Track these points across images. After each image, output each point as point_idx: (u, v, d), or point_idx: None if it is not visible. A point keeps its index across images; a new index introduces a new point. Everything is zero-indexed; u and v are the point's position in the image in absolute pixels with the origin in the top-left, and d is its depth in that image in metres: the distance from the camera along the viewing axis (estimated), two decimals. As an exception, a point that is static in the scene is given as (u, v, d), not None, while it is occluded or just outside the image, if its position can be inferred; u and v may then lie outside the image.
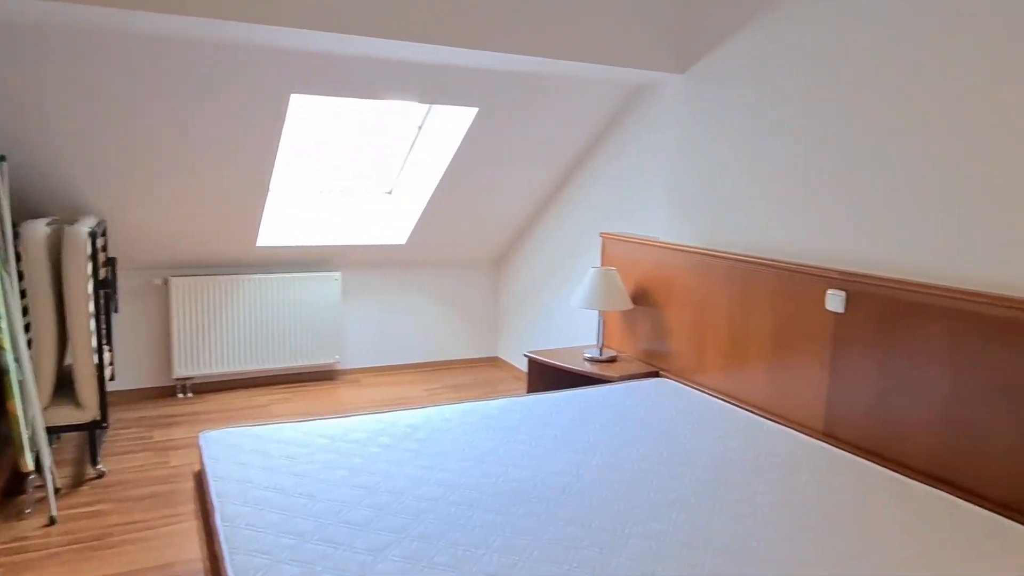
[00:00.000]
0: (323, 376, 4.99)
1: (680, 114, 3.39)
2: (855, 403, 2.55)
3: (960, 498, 2.16)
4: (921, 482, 2.28)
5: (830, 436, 2.64)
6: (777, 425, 2.77)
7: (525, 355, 3.81)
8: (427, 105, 4.14)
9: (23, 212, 3.66)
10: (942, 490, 2.22)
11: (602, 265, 3.99)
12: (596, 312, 4.04)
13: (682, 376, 3.39)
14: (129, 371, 4.42)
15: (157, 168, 3.58)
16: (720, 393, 3.16)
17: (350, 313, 5.04)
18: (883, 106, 2.46)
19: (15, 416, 2.75)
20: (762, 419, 2.84)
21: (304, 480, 2.16)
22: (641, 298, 3.65)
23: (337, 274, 4.81)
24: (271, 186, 4.18)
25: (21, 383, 2.85)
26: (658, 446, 2.54)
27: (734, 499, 2.14)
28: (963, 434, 2.21)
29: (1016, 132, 2.07)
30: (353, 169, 4.55)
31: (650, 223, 3.83)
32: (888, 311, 2.42)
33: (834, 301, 2.59)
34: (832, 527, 1.97)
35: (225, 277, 4.50)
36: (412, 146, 4.45)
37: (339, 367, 5.05)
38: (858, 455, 2.49)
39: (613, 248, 3.88)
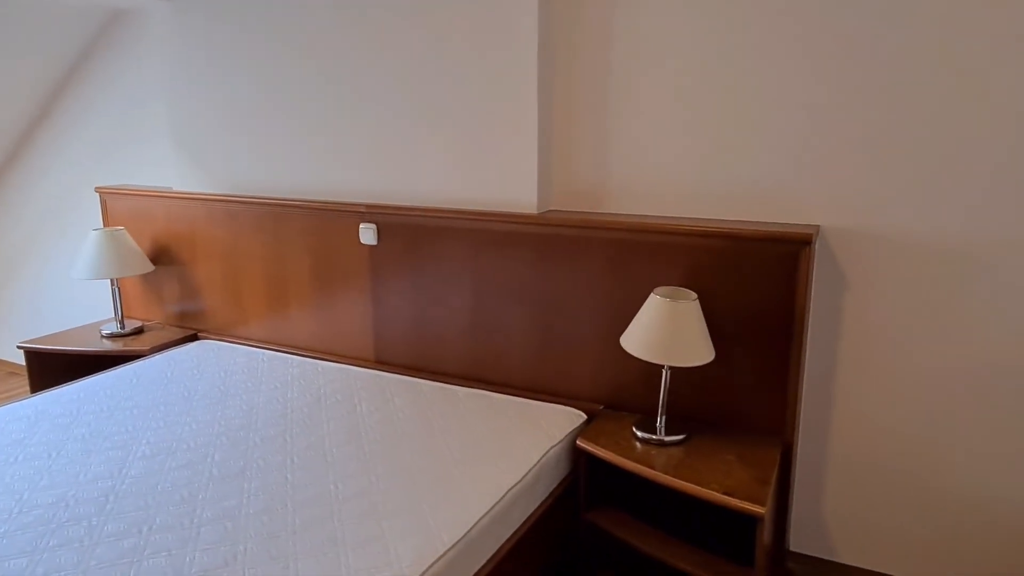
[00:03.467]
0: None
1: (174, 47, 2.99)
2: (398, 328, 2.71)
3: (494, 391, 2.50)
4: (463, 385, 2.55)
5: (382, 363, 2.77)
6: (332, 363, 2.79)
7: (20, 347, 3.08)
8: None
9: None
10: (480, 388, 2.53)
11: (106, 225, 3.40)
12: (108, 281, 3.46)
13: (224, 333, 3.15)
14: None
15: None
16: (270, 343, 3.03)
17: None
18: (380, 43, 2.54)
19: None
20: (317, 361, 2.83)
21: None
22: (162, 257, 3.24)
23: None
24: None
25: None
26: (213, 414, 2.32)
27: (302, 448, 2.08)
28: (488, 335, 2.53)
29: (494, 81, 2.36)
30: None
31: (159, 173, 3.38)
32: (416, 238, 2.59)
33: (367, 234, 2.66)
34: (398, 448, 2.08)
35: None
36: None
37: None
38: (409, 375, 2.66)
39: (116, 204, 3.33)
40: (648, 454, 2.07)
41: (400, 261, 2.64)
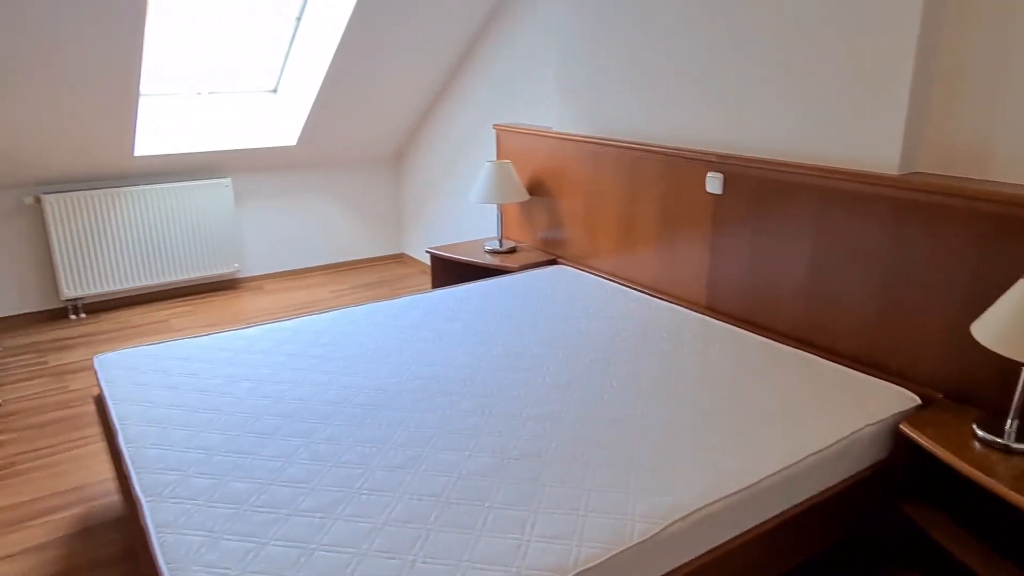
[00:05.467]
0: (225, 285, 4.89)
1: (561, 4, 3.33)
2: (732, 277, 2.74)
3: (819, 356, 2.41)
4: (788, 345, 2.52)
5: (712, 309, 2.85)
6: (665, 302, 2.96)
7: (427, 251, 3.85)
8: (303, -6, 3.89)
9: None
10: (804, 350, 2.46)
11: (497, 158, 3.99)
12: (495, 205, 4.09)
13: (578, 262, 3.53)
14: (12, 296, 4.20)
15: (5, 73, 3.27)
16: (614, 276, 3.32)
17: (246, 220, 4.89)
18: (756, -12, 2.50)
19: None
20: (652, 298, 3.02)
21: (208, 395, 2.19)
22: (537, 188, 3.71)
23: (227, 180, 4.62)
24: (142, 88, 3.90)
25: None
26: (555, 331, 2.68)
27: (622, 374, 2.31)
28: (822, 298, 2.44)
29: (865, 20, 2.17)
30: (231, 68, 4.27)
31: (542, 114, 3.83)
32: (760, 190, 2.57)
33: (713, 183, 2.72)
34: (708, 391, 2.18)
35: (104, 191, 4.25)
36: (292, 40, 4.21)
37: (240, 275, 4.96)
38: (735, 325, 2.71)
39: (507, 140, 3.88)
40: (987, 458, 1.84)
41: (742, 212, 2.65)
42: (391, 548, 1.50)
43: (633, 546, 1.54)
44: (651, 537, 1.56)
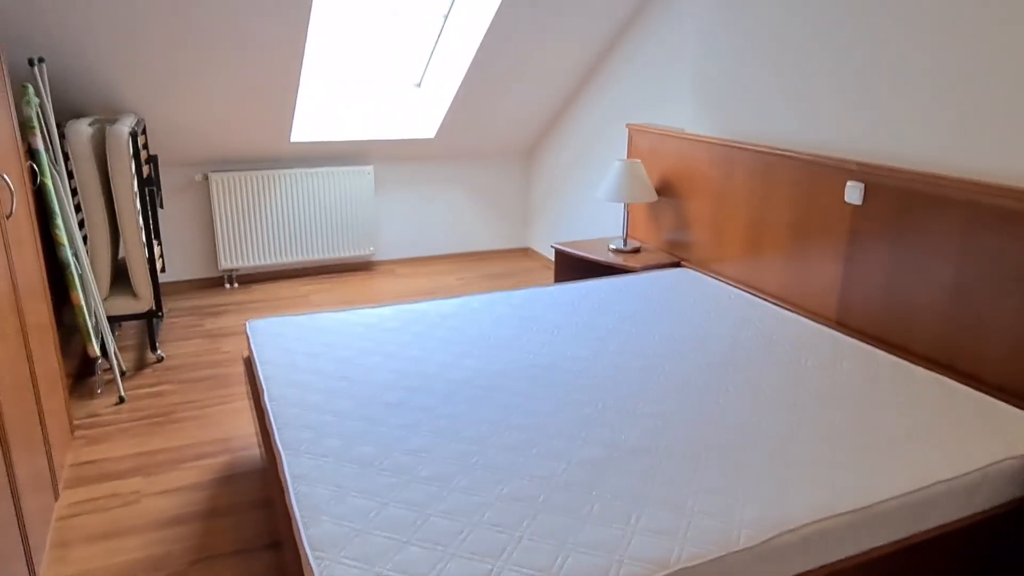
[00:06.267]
0: (360, 267, 5.20)
1: (705, 3, 3.29)
2: (867, 293, 2.62)
3: (959, 382, 2.27)
4: (923, 367, 2.38)
5: (842, 324, 2.74)
6: (791, 313, 2.87)
7: (552, 246, 3.92)
8: (452, -7, 4.06)
9: (63, 112, 3.79)
10: (942, 374, 2.32)
11: (628, 157, 4.00)
12: (622, 204, 4.10)
13: (703, 266, 3.48)
14: (179, 263, 4.67)
15: (189, 65, 3.64)
16: (739, 283, 3.25)
17: (384, 206, 5.17)
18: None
19: (79, 306, 3.00)
20: (777, 308, 2.94)
21: (343, 365, 2.36)
22: (665, 189, 3.68)
23: (369, 168, 4.91)
24: (301, 80, 4.22)
25: (80, 276, 3.08)
26: (674, 333, 2.68)
27: (740, 381, 2.28)
28: (967, 321, 2.29)
29: (1048, 18, 2.02)
30: (381, 62, 4.53)
31: (676, 114, 3.80)
32: (904, 202, 2.44)
33: (853, 193, 2.61)
34: (831, 406, 2.11)
35: (262, 172, 4.64)
36: (438, 37, 4.40)
37: (375, 258, 5.25)
38: (866, 342, 2.59)
39: (639, 140, 3.88)
40: None
41: (883, 225, 2.53)
42: (500, 522, 1.58)
43: (737, 552, 1.53)
44: (757, 545, 1.55)
